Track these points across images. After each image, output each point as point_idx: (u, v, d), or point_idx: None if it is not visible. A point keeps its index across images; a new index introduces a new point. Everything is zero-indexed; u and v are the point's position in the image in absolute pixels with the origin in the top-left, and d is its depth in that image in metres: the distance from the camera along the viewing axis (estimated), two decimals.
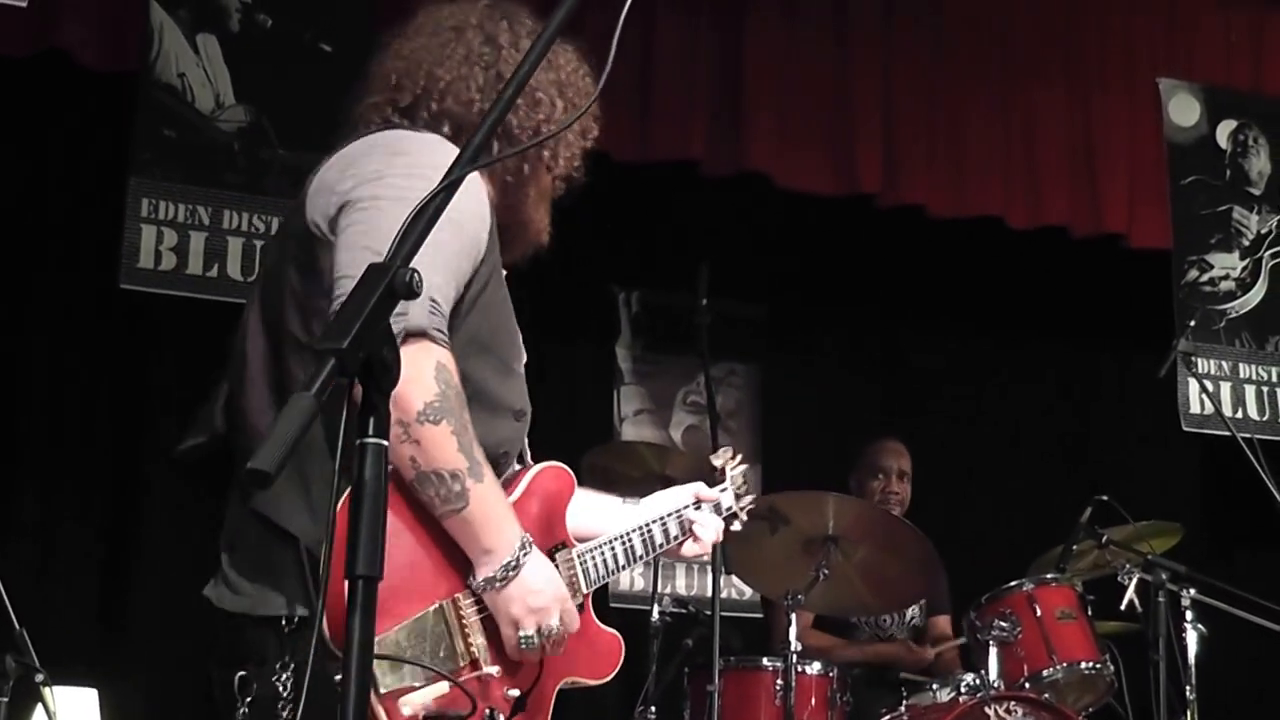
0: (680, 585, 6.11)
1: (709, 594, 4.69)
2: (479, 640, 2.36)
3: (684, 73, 5.58)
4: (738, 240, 6.10)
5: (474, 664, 2.35)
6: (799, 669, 4.43)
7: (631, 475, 4.82)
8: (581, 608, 2.57)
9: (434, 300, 2.25)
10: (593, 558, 2.65)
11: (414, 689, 2.26)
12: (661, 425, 6.42)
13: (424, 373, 2.23)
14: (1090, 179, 6.04)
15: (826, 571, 4.52)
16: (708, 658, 4.38)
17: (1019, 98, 6.03)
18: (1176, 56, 6.30)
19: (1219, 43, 6.38)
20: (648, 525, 2.81)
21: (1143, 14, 6.28)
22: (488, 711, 2.34)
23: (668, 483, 4.71)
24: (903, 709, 4.57)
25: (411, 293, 1.71)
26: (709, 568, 5.57)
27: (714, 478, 3.09)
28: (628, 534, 2.75)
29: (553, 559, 2.51)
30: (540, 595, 2.38)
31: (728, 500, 3.06)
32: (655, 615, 4.77)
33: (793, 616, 4.44)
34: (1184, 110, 6.23)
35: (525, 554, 2.32)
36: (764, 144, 5.63)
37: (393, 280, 1.70)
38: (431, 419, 2.23)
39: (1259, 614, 4.77)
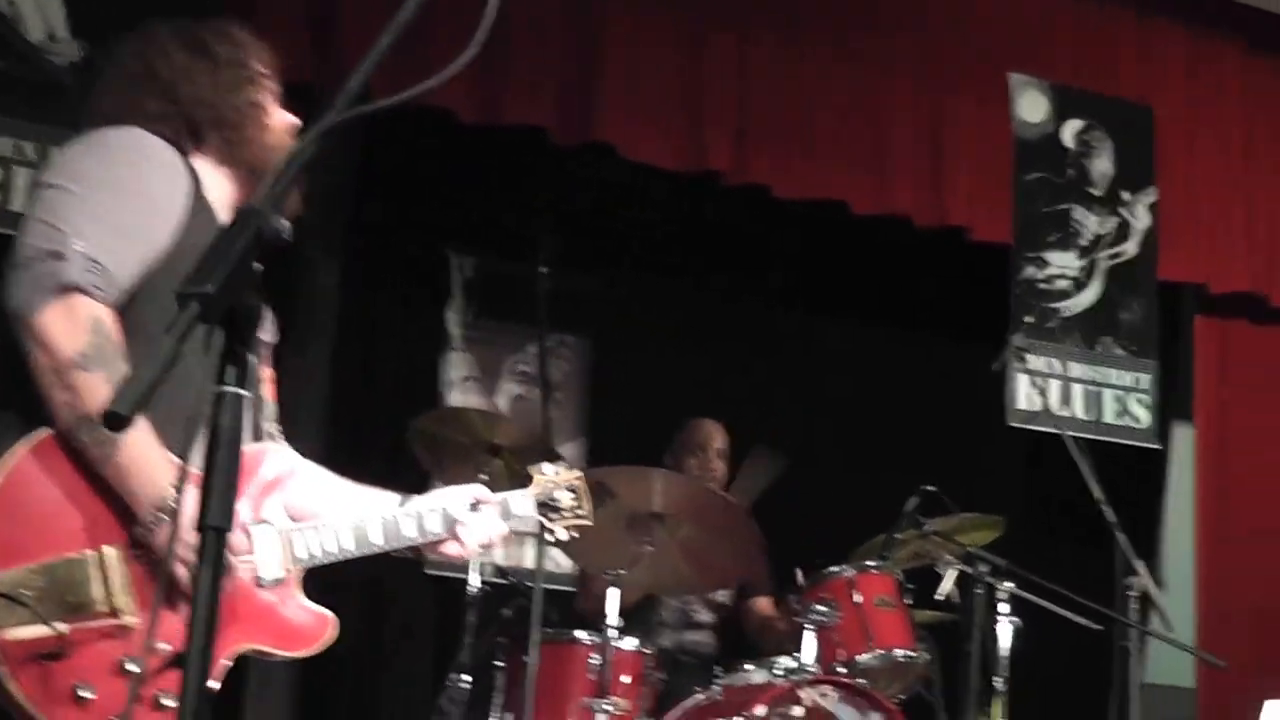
0: (500, 556, 6.19)
1: (529, 565, 4.80)
2: (124, 591, 2.55)
3: (538, 39, 5.64)
4: (579, 211, 6.20)
5: (113, 613, 2.54)
6: (615, 645, 4.53)
7: (459, 441, 4.86)
8: (283, 582, 2.80)
9: (94, 260, 2.52)
10: (304, 536, 2.84)
11: (23, 625, 2.45)
12: (488, 393, 6.49)
13: (77, 324, 2.48)
14: (936, 170, 6.22)
15: (650, 547, 4.66)
16: (525, 629, 4.50)
17: (871, 84, 6.18)
18: (1028, 53, 6.51)
19: (1070, 42, 6.62)
20: (393, 516, 2.95)
21: (997, 8, 6.48)
22: (121, 659, 2.53)
23: (496, 451, 4.84)
24: (717, 688, 4.68)
25: (280, 241, 1.80)
26: (531, 540, 5.70)
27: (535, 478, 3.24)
28: (362, 521, 2.91)
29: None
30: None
31: (522, 508, 3.18)
32: (473, 584, 4.86)
33: (611, 593, 4.56)
34: (1032, 107, 6.46)
35: (178, 497, 2.37)
36: (614, 115, 5.71)
37: (261, 227, 1.76)
38: (84, 366, 2.47)
39: (1073, 610, 4.98)
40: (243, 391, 1.82)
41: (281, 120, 2.94)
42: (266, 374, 2.96)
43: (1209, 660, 5.64)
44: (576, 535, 3.30)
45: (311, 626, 2.86)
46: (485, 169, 6.08)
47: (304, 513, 2.89)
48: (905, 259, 6.55)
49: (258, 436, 2.92)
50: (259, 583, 2.78)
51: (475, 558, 3.13)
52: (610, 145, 5.71)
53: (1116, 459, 6.29)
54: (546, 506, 3.24)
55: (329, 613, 2.86)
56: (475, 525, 3.04)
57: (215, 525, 1.79)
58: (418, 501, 3.02)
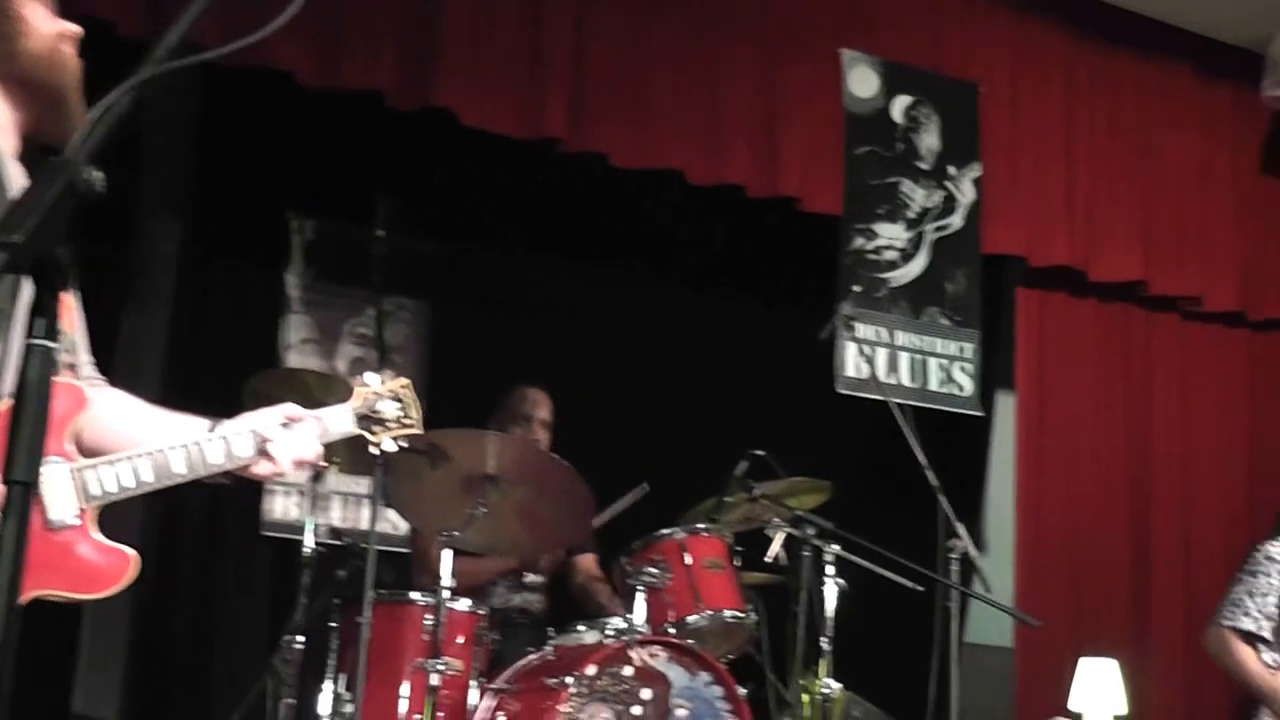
0: (336, 517, 6.18)
1: (364, 527, 4.79)
2: None
3: (377, 1, 5.62)
4: (420, 175, 6.18)
5: None
6: (448, 605, 4.56)
7: (295, 402, 4.83)
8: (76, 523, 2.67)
9: None
10: (98, 472, 2.70)
11: None
12: (327, 356, 6.46)
13: None
14: (770, 141, 6.29)
15: (484, 509, 4.67)
16: (359, 590, 4.50)
17: (707, 54, 6.23)
18: (859, 28, 6.61)
19: (900, 19, 6.73)
20: (196, 442, 2.80)
21: None
22: None
23: None
24: (549, 648, 4.74)
25: (92, 191, 1.74)
26: (366, 501, 5.69)
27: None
28: (161, 450, 2.76)
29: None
30: None
31: (341, 423, 3.05)
32: (308, 546, 4.83)
33: (445, 554, 4.58)
34: (863, 82, 6.55)
35: None
36: (453, 80, 5.70)
37: (73, 177, 1.71)
38: None
39: (897, 571, 5.09)
40: (52, 344, 1.76)
41: (53, 28, 2.72)
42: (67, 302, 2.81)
43: (1024, 619, 5.80)
44: (405, 445, 3.17)
45: (109, 566, 2.71)
46: (325, 132, 6.02)
47: (103, 446, 2.74)
48: (739, 228, 6.60)
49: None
50: (48, 525, 2.65)
51: (291, 475, 2.93)
52: (449, 110, 5.69)
53: (943, 426, 6.43)
54: (369, 419, 3.09)
55: (130, 550, 2.71)
56: (288, 443, 2.89)
57: (20, 480, 1.74)
58: (226, 426, 2.87)
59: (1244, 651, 5.42)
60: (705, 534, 5.08)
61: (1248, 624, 5.41)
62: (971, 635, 7.07)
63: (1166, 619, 7.10)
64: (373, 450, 3.12)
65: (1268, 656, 5.41)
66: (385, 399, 3.12)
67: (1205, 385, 7.49)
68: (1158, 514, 7.24)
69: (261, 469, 2.89)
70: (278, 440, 2.88)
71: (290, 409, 2.96)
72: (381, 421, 3.11)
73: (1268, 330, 7.65)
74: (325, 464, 3.97)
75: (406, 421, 3.14)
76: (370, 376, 3.14)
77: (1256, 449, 7.53)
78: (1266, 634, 5.40)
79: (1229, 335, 7.57)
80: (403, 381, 3.17)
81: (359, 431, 3.09)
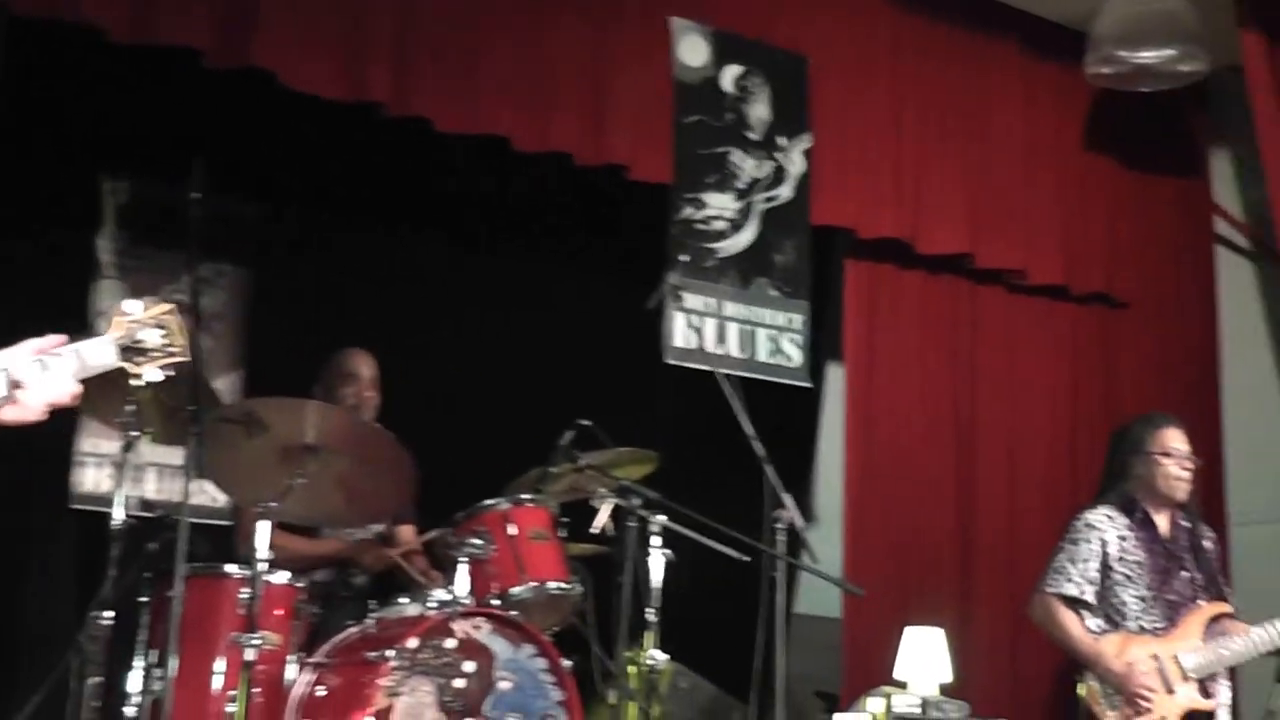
0: (150, 489, 6.02)
1: (178, 499, 4.65)
2: None
3: None
4: (240, 137, 6.02)
5: None
6: (266, 579, 4.46)
7: (104, 378, 4.68)
8: None
9: None
10: None
11: None
12: None
13: None
14: (598, 108, 6.24)
15: (303, 480, 4.57)
16: (171, 563, 4.36)
17: (536, 19, 6.15)
18: None
19: None
20: None
21: None
22: None
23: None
24: (370, 621, 4.67)
25: None
26: (181, 472, 5.52)
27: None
28: None
29: None
30: None
31: (100, 356, 2.89)
32: (118, 518, 4.67)
33: (261, 525, 4.47)
34: (692, 51, 6.51)
35: None
36: (272, 40, 5.55)
37: None
38: None
39: (724, 543, 5.08)
40: None
41: None
42: None
43: (848, 588, 5.87)
44: (172, 372, 3.00)
45: None
46: (140, 91, 5.84)
47: None
48: (568, 196, 6.55)
49: None
50: None
51: (38, 415, 2.71)
52: (268, 71, 5.53)
53: (772, 397, 6.44)
54: (131, 350, 2.93)
55: None
56: (39, 384, 2.72)
57: None
58: None
59: (1068, 617, 5.55)
60: (530, 504, 5.04)
61: (1071, 590, 5.55)
62: (800, 607, 7.16)
63: (991, 588, 7.20)
64: (134, 382, 2.95)
65: (1090, 622, 5.52)
66: (148, 327, 2.97)
67: (1030, 357, 7.60)
68: (983, 485, 7.35)
69: (7, 414, 2.72)
70: (30, 384, 2.72)
71: (42, 342, 2.79)
72: (145, 351, 2.96)
73: (1089, 303, 7.80)
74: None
75: (172, 350, 2.98)
76: (130, 304, 2.98)
77: (1079, 420, 7.67)
78: (1089, 599, 5.54)
79: (1053, 308, 7.69)
80: (165, 307, 3.01)
81: (120, 364, 2.93)
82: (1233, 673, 5.67)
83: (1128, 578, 5.56)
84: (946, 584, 7.14)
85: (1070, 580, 5.57)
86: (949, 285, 7.40)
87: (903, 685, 6.29)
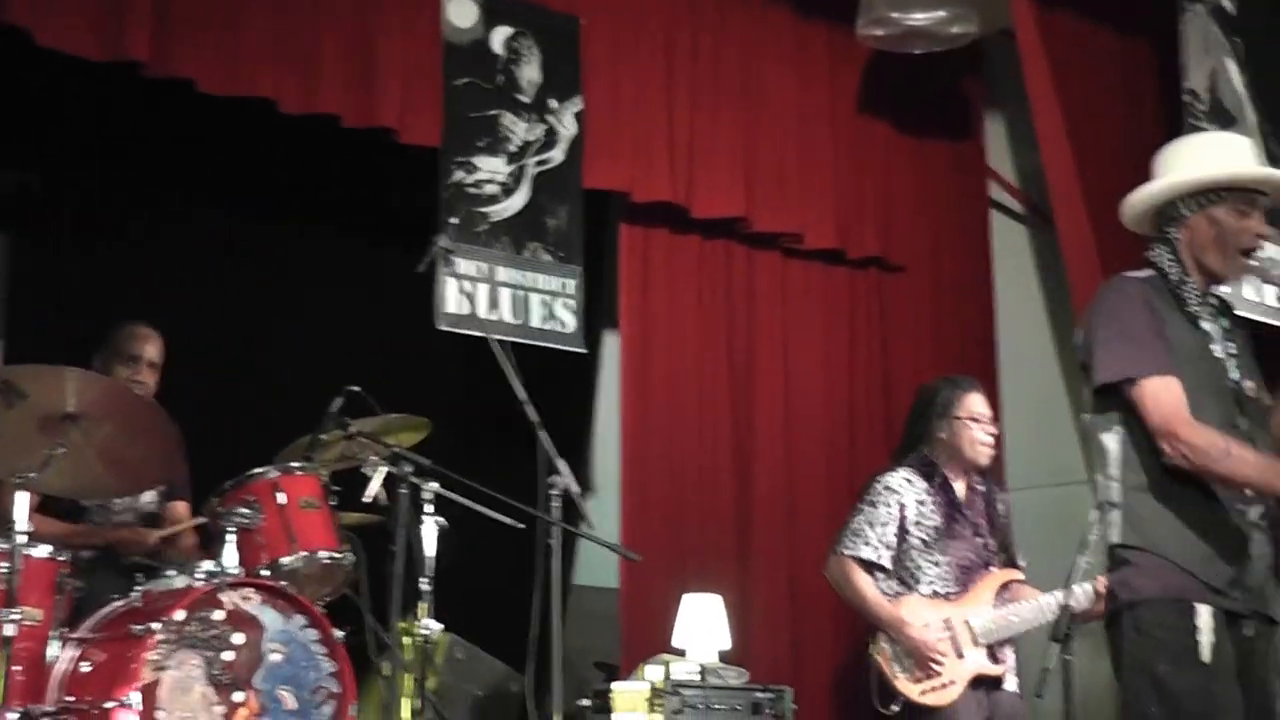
0: None
1: None
2: None
3: None
4: None
5: None
6: (26, 552, 4.48)
7: None
8: None
9: None
10: None
11: None
12: None
13: None
14: (366, 70, 6.34)
15: (64, 449, 4.62)
16: None
17: None
18: None
19: None
20: None
21: None
22: None
23: None
24: (136, 594, 4.74)
25: None
26: None
27: None
28: None
29: None
30: None
31: None
32: None
33: (20, 497, 4.51)
34: (462, 12, 6.64)
35: None
36: None
37: None
38: None
39: (498, 510, 5.25)
40: None
41: None
42: None
43: (624, 553, 5.99)
44: None
45: None
46: None
47: None
48: (334, 158, 6.65)
49: None
50: None
51: None
52: (21, 29, 5.55)
53: (551, 365, 6.64)
54: None
55: None
56: None
57: None
58: None
59: (863, 580, 5.75)
60: (300, 473, 5.15)
61: (867, 553, 5.74)
62: (578, 578, 7.35)
63: (769, 554, 7.46)
64: None
65: (884, 585, 5.75)
66: None
67: (806, 322, 7.86)
68: (760, 451, 7.59)
69: None
70: None
71: None
72: None
73: (866, 268, 8.10)
74: None
75: None
76: None
77: (855, 385, 7.97)
78: (885, 562, 5.74)
79: (829, 272, 7.96)
80: None
81: None
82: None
83: (924, 542, 5.75)
84: (725, 551, 7.37)
85: (868, 543, 5.74)
86: (725, 250, 7.63)
87: (681, 653, 6.49)
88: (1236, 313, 4.21)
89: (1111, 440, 3.98)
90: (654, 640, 6.71)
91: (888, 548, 5.76)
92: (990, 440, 5.89)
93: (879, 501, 5.82)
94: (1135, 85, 7.88)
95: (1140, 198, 4.10)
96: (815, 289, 7.93)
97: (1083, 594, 5.39)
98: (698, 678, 6.15)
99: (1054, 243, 7.88)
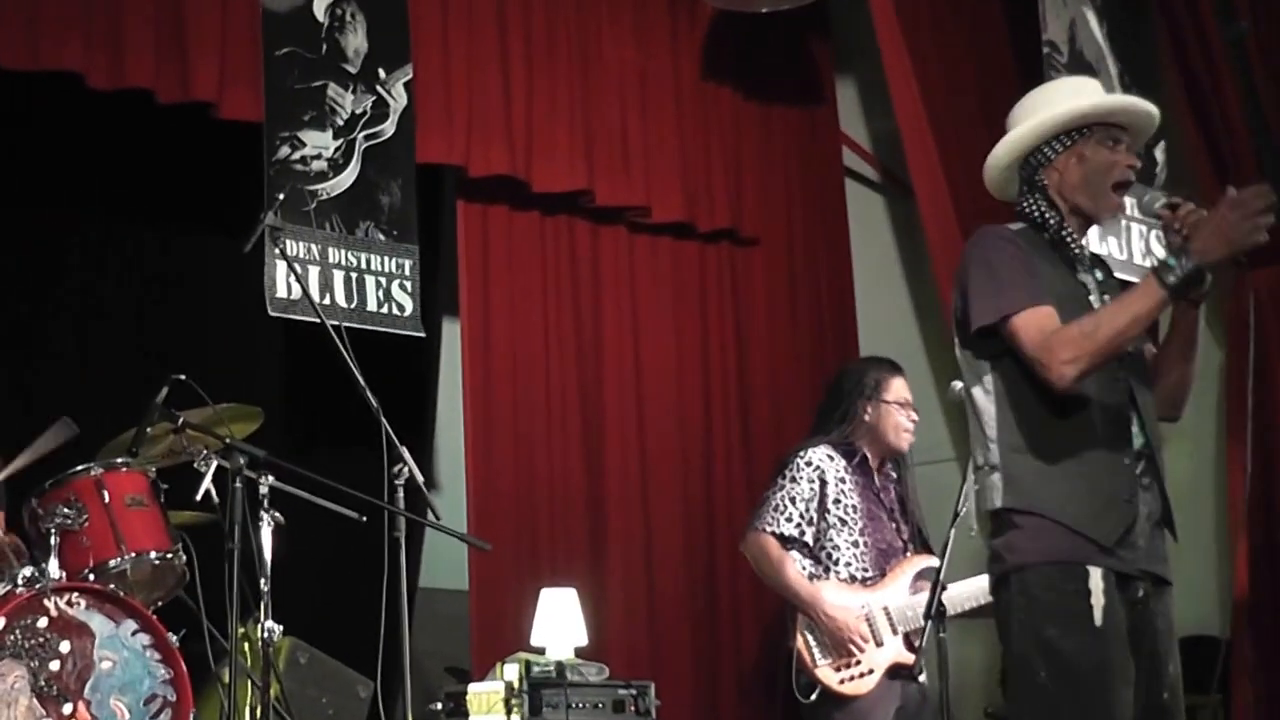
0: None
1: None
2: None
3: None
4: None
5: None
6: None
7: None
8: None
9: None
10: None
11: None
12: None
13: None
14: (179, 41, 6.33)
15: None
16: None
17: None
18: None
19: None
20: None
21: None
22: None
23: None
24: None
25: None
26: None
27: None
28: None
29: None
30: None
31: None
32: None
33: None
34: None
35: None
36: None
37: None
38: None
39: (336, 501, 5.28)
40: None
41: None
42: None
43: (472, 541, 6.05)
44: None
45: None
46: None
47: None
48: (148, 138, 6.62)
49: None
50: None
51: None
52: None
53: (394, 350, 6.69)
54: None
55: None
56: None
57: None
58: None
59: (783, 556, 5.83)
60: (125, 469, 5.19)
61: (789, 529, 5.83)
62: (426, 579, 7.37)
63: (624, 544, 7.55)
64: None
65: (801, 563, 5.83)
66: None
67: (656, 300, 7.94)
68: (611, 436, 7.66)
69: None
70: None
71: None
72: None
73: (716, 241, 8.19)
74: None
75: None
76: None
77: (710, 364, 8.05)
78: (807, 538, 5.82)
79: (678, 247, 8.05)
80: None
81: None
82: None
83: (842, 521, 5.85)
84: (578, 543, 7.45)
85: (789, 519, 5.83)
86: (568, 225, 7.69)
87: (541, 651, 6.55)
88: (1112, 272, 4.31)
89: (986, 400, 4.02)
90: (510, 640, 6.74)
91: (809, 523, 5.85)
92: (912, 427, 6.02)
93: (800, 476, 5.90)
94: (991, 42, 7.97)
95: (1004, 149, 4.15)
96: (664, 265, 8.01)
97: (978, 589, 5.59)
98: (552, 674, 6.20)
99: (912, 211, 7.99)
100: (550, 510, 7.43)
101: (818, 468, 5.92)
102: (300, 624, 5.78)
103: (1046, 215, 4.10)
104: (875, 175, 8.89)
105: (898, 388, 6.03)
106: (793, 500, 5.88)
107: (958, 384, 4.22)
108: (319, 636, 6.22)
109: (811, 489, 5.88)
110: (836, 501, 5.89)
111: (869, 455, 5.99)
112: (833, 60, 8.80)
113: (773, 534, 5.88)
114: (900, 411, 5.99)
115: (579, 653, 6.62)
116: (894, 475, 6.09)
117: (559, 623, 6.70)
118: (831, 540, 5.87)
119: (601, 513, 7.57)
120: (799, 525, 5.86)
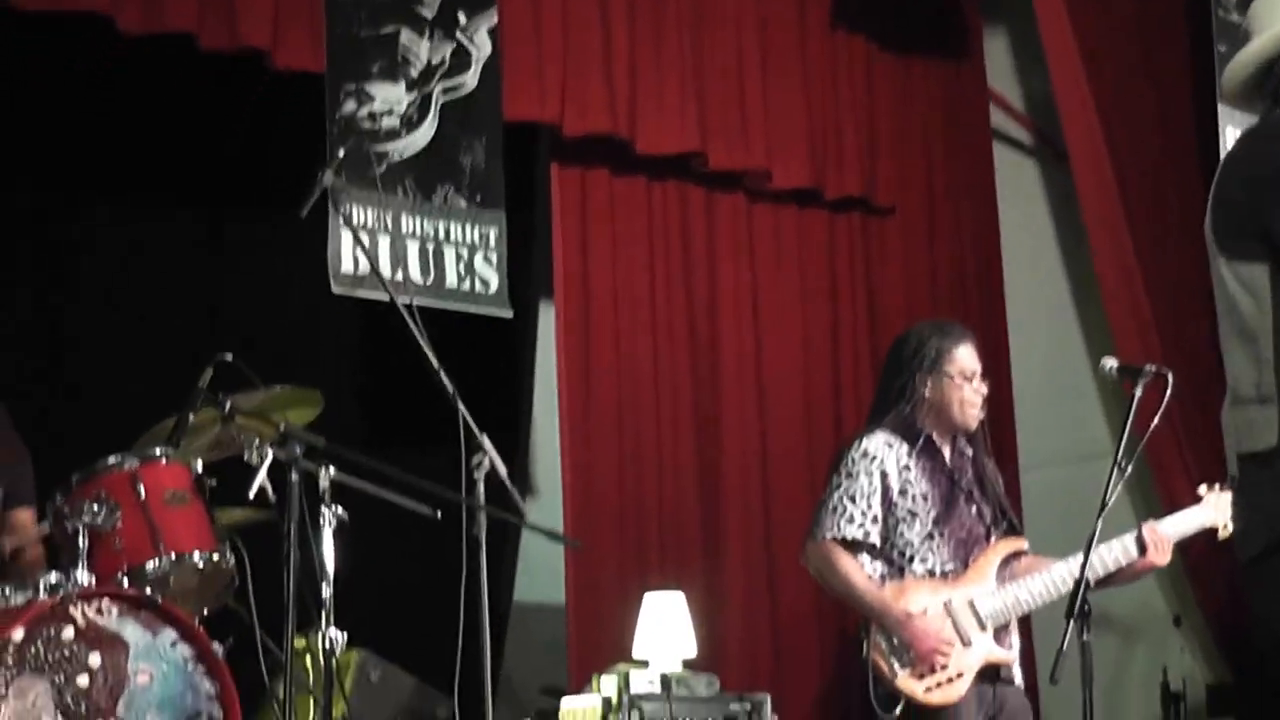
0: None
1: None
2: None
3: None
4: None
5: None
6: None
7: None
8: None
9: None
10: None
11: None
12: None
13: None
14: None
15: None
16: None
17: None
18: None
19: None
20: None
21: None
22: None
23: None
24: None
25: None
26: None
27: None
28: None
29: None
30: None
31: None
32: None
33: None
34: None
35: None
36: None
37: None
38: None
39: (409, 496, 5.09)
40: None
41: None
42: None
43: (563, 540, 6.10)
44: None
45: None
46: None
47: None
48: (194, 92, 6.53)
49: None
50: None
51: None
52: None
53: (480, 334, 6.66)
54: None
55: None
56: None
57: None
58: None
59: (849, 564, 5.58)
60: (164, 460, 5.02)
61: (853, 531, 5.59)
62: (518, 593, 7.28)
63: (742, 543, 7.43)
64: None
65: (871, 567, 5.61)
66: None
67: (779, 276, 7.79)
68: (729, 425, 7.53)
69: None
70: None
71: None
72: None
73: (845, 211, 8.02)
74: None
75: None
76: None
77: (840, 348, 7.92)
78: (875, 540, 5.58)
79: (804, 216, 7.89)
80: None
81: None
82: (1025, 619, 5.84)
83: (912, 514, 5.60)
84: (690, 546, 7.33)
85: (851, 520, 5.57)
86: (677, 192, 7.56)
87: (644, 664, 6.42)
88: None
89: (1260, 318, 3.60)
90: (608, 652, 6.66)
91: (875, 522, 5.62)
92: (980, 401, 5.77)
93: (857, 470, 5.65)
94: None
95: (1251, 54, 3.82)
96: (787, 237, 7.87)
97: (1120, 550, 5.38)
98: (657, 689, 6.13)
99: (1068, 178, 7.86)
100: (660, 510, 7.33)
101: (876, 458, 5.65)
102: (368, 634, 5.65)
103: None
104: (1027, 138, 8.73)
105: (962, 357, 5.74)
106: (852, 499, 5.62)
107: (1109, 361, 3.93)
108: (391, 649, 6.12)
109: (871, 483, 5.62)
110: (903, 492, 5.63)
111: (934, 435, 5.73)
112: (980, 7, 8.63)
113: (834, 540, 5.61)
114: (966, 385, 5.72)
115: (688, 665, 6.52)
116: (967, 452, 5.81)
117: (665, 630, 6.59)
118: (902, 536, 5.62)
119: (717, 512, 7.45)
120: (862, 526, 5.60)
